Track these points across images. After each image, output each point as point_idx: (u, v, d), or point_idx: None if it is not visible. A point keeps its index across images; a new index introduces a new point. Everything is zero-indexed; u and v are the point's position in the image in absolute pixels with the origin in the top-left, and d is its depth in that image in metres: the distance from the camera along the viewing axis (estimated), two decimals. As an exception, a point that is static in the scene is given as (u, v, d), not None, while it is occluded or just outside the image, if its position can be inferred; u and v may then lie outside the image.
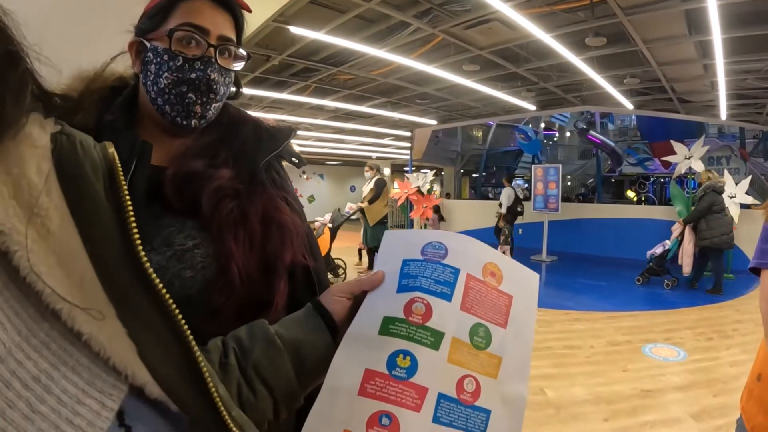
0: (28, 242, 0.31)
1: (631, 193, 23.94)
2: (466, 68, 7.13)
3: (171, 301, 0.43)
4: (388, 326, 0.66)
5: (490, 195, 25.10)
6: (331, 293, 0.74)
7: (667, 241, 7.80)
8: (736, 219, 8.63)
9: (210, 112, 0.90)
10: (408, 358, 0.64)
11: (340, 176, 23.58)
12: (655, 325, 5.87)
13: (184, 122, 0.88)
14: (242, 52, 0.92)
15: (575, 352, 4.83)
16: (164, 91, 0.85)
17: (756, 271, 1.49)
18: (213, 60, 0.87)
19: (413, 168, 16.01)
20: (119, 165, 0.46)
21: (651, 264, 8.00)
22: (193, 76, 0.85)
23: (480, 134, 24.29)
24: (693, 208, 8.00)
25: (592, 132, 22.86)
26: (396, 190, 14.00)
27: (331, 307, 0.71)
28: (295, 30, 5.57)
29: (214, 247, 0.84)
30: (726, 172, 9.33)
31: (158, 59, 0.85)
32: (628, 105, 9.23)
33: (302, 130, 12.57)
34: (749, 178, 8.93)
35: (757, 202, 8.78)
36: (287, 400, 0.68)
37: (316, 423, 0.61)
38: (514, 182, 28.78)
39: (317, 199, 20.70)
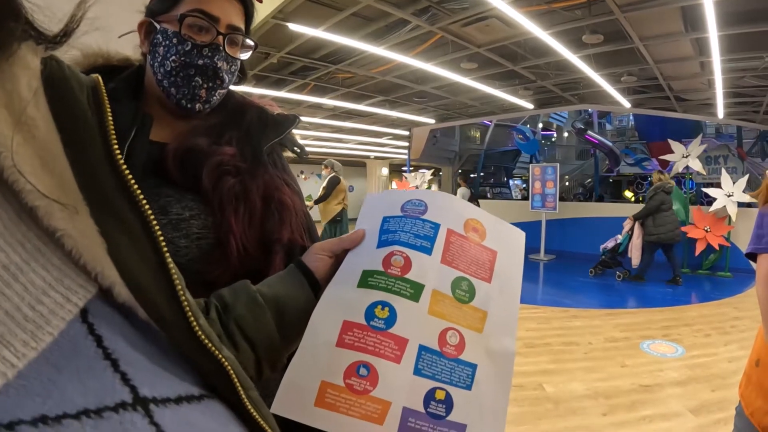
0: (13, 145, 0.32)
1: (628, 193, 23.98)
2: (464, 66, 7.15)
3: (147, 207, 0.43)
4: (366, 279, 0.66)
5: (488, 195, 25.12)
6: (312, 252, 0.75)
7: (619, 236, 8.36)
8: (734, 218, 8.70)
9: (215, 97, 0.93)
10: (387, 309, 0.64)
11: (338, 175, 23.69)
12: (653, 322, 5.89)
13: (189, 105, 0.89)
14: (250, 41, 0.94)
15: (573, 349, 4.84)
16: (171, 73, 0.87)
17: (752, 257, 1.51)
18: (221, 48, 0.88)
19: (411, 168, 16.07)
20: (102, 84, 0.46)
21: (604, 257, 8.57)
22: (200, 62, 0.87)
23: (478, 134, 24.31)
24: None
25: (589, 132, 22.90)
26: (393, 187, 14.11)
27: (312, 265, 0.72)
28: (294, 27, 5.58)
29: (212, 220, 0.86)
30: (723, 171, 9.40)
31: (167, 42, 0.86)
32: (626, 103, 9.27)
33: (300, 129, 12.48)
34: (746, 177, 8.98)
35: (755, 200, 8.81)
36: (269, 355, 0.68)
37: (295, 375, 0.61)
38: (512, 182, 29.01)
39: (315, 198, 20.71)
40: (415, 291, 0.65)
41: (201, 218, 0.85)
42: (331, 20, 5.61)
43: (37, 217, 0.33)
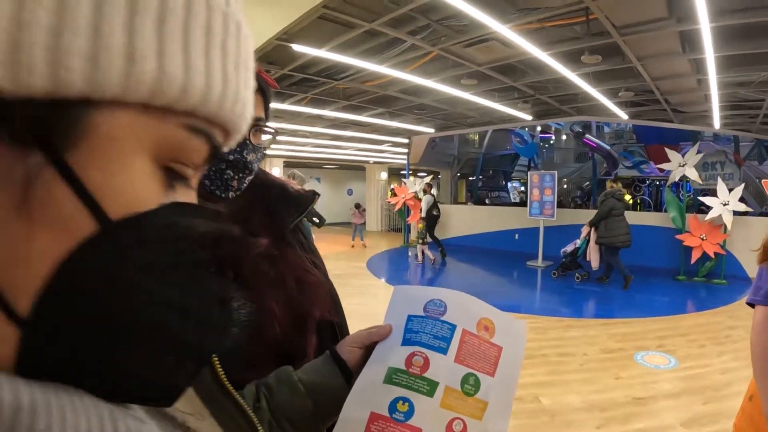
0: None
1: (627, 196, 23.92)
2: (464, 82, 7.24)
3: (241, 399, 0.61)
4: (391, 376, 0.77)
5: (486, 201, 25.10)
6: (345, 343, 0.85)
7: (578, 240, 9.05)
8: (729, 226, 8.81)
9: (244, 184, 1.01)
10: (406, 404, 0.75)
11: (337, 179, 23.66)
12: (649, 332, 5.99)
13: (222, 195, 0.97)
14: (270, 128, 1.03)
15: (569, 360, 4.94)
16: None
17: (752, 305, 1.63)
18: (248, 142, 0.96)
19: (410, 173, 16.15)
20: None
21: (564, 260, 9.34)
22: (231, 158, 0.94)
23: (476, 138, 24.27)
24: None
25: (587, 135, 22.89)
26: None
27: (345, 356, 0.82)
28: (297, 48, 5.69)
29: (254, 306, 0.97)
30: (719, 179, 9.47)
31: None
32: (623, 115, 9.36)
33: (300, 136, 12.67)
34: (742, 186, 9.07)
35: (750, 209, 8.94)
36: None
37: None
38: (510, 184, 28.93)
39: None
40: (430, 388, 0.76)
41: (246, 306, 0.96)
42: (333, 41, 5.70)
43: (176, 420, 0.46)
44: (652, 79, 6.78)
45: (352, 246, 14.55)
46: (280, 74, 6.99)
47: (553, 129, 26.10)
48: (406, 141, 14.09)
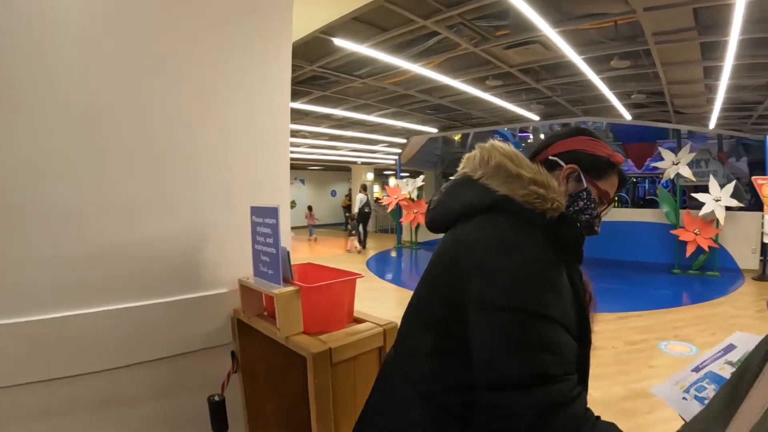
0: None
1: (606, 194, 24.35)
2: (489, 83, 7.42)
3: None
4: None
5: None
6: None
7: None
8: (721, 221, 9.26)
9: None
10: None
11: (321, 181, 23.52)
12: (662, 323, 6.34)
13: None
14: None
15: (601, 353, 5.18)
16: (579, 219, 1.19)
17: None
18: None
19: (401, 174, 16.27)
20: None
21: None
22: (596, 228, 1.24)
23: (458, 138, 24.46)
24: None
25: (565, 135, 23.18)
26: (375, 193, 14.26)
27: None
28: (338, 42, 5.61)
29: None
30: (711, 177, 9.93)
31: (587, 202, 1.17)
32: (627, 116, 9.79)
33: (299, 137, 12.70)
34: (734, 182, 9.55)
35: (741, 204, 9.41)
36: None
37: None
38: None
39: (298, 203, 20.93)
40: None
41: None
42: (374, 37, 5.67)
43: None
44: (667, 83, 7.16)
45: (348, 250, 14.66)
46: (307, 70, 6.93)
47: (531, 128, 26.43)
48: (402, 140, 14.13)
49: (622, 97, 8.45)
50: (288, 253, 1.93)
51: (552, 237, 1.03)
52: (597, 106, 9.46)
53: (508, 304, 0.91)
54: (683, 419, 0.97)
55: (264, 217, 1.95)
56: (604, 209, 1.23)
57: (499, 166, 1.10)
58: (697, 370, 1.08)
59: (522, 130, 26.16)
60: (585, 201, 1.16)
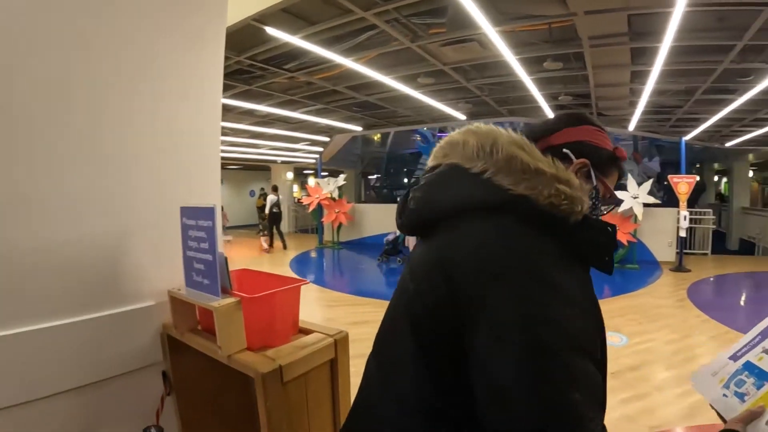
0: None
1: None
2: (421, 80, 7.22)
3: None
4: None
5: (397, 198, 25.43)
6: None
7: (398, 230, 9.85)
8: (639, 217, 9.77)
9: None
10: None
11: (240, 180, 22.81)
12: None
13: None
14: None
15: None
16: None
17: None
18: None
19: (325, 174, 16.05)
20: None
21: (387, 247, 11.06)
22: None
23: (378, 137, 24.62)
24: None
25: (483, 134, 23.91)
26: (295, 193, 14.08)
27: None
28: (271, 31, 5.22)
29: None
30: (630, 176, 10.44)
31: (595, 202, 1.01)
32: (552, 116, 9.79)
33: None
34: (651, 180, 10.14)
35: (658, 201, 9.99)
36: None
37: None
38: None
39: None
40: None
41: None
42: (308, 28, 5.35)
43: None
44: (595, 86, 7.32)
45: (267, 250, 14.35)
46: (232, 62, 6.47)
47: (449, 128, 26.92)
48: (326, 139, 13.89)
49: (550, 98, 8.59)
50: (226, 259, 1.70)
51: (571, 243, 0.87)
52: (523, 106, 9.60)
53: (528, 332, 0.75)
54: (722, 418, 0.97)
55: (197, 219, 1.71)
56: (609, 209, 1.10)
57: (512, 158, 0.90)
58: (734, 358, 1.04)
59: (441, 130, 26.71)
60: (593, 200, 1.00)
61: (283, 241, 14.66)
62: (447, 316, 0.83)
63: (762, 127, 10.55)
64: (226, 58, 5.25)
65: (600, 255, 0.93)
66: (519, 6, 4.94)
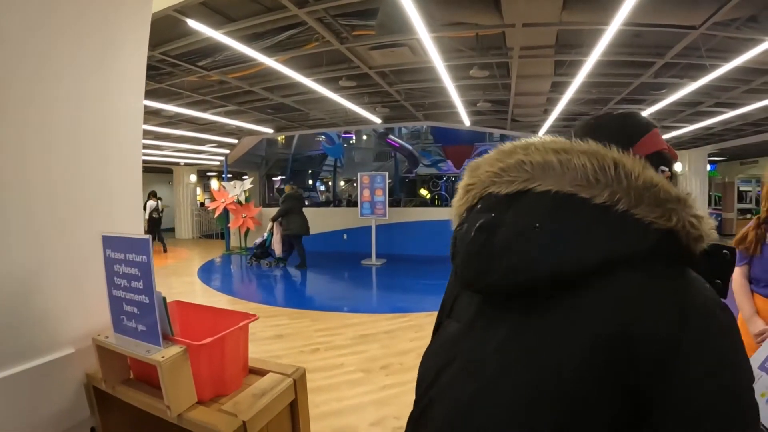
0: None
1: (424, 191, 26.04)
2: (343, 84, 6.99)
3: None
4: None
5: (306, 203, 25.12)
6: None
7: (265, 234, 11.57)
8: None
9: None
10: None
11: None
12: None
13: None
14: None
15: None
16: None
17: None
18: None
19: (229, 175, 15.42)
20: None
21: (256, 251, 11.65)
22: None
23: (282, 138, 24.28)
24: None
25: (391, 136, 24.35)
26: (198, 196, 13.68)
27: None
28: (193, 24, 4.68)
29: None
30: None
31: None
32: (467, 122, 10.07)
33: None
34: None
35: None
36: None
37: None
38: (318, 185, 29.14)
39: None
40: None
41: None
42: (227, 26, 4.93)
43: None
44: (515, 95, 7.43)
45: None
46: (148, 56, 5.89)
47: (354, 129, 27.15)
48: (232, 141, 13.30)
49: (468, 104, 8.65)
50: (164, 299, 1.42)
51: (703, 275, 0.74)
52: (439, 111, 9.63)
53: (739, 410, 0.63)
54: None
55: (126, 251, 1.43)
56: None
57: (652, 185, 0.74)
58: (765, 369, 1.05)
59: (346, 132, 26.77)
60: None
61: (164, 245, 14.80)
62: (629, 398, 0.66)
63: (664, 133, 11.27)
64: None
65: (723, 282, 0.79)
66: (452, 14, 4.85)
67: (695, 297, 0.69)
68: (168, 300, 1.73)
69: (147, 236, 1.38)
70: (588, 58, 5.43)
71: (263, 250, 11.54)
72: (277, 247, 11.16)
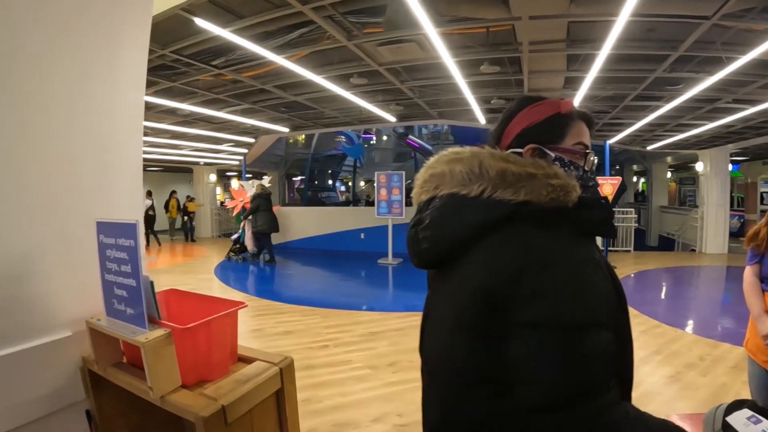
0: None
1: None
2: (354, 81, 6.98)
3: None
4: None
5: (325, 202, 25.12)
6: None
7: (240, 231, 12.50)
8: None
9: None
10: None
11: (161, 183, 21.78)
12: None
13: None
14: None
15: None
16: (590, 191, 1.11)
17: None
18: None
19: (248, 175, 15.55)
20: None
21: (234, 246, 12.58)
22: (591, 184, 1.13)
23: (302, 138, 24.38)
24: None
25: (411, 136, 24.32)
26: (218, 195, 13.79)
27: None
28: (200, 23, 4.74)
29: None
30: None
31: (569, 170, 1.08)
32: (482, 120, 10.01)
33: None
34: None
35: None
36: None
37: None
38: (338, 185, 29.22)
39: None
40: None
41: None
42: (237, 24, 4.95)
43: None
44: (528, 90, 7.41)
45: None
46: (155, 57, 5.87)
47: (374, 130, 27.17)
48: (250, 140, 13.42)
49: (482, 101, 8.58)
50: (152, 284, 1.46)
51: (579, 224, 0.99)
52: (453, 109, 9.56)
53: (559, 322, 0.86)
54: None
55: (117, 236, 1.46)
56: (591, 161, 1.15)
57: (504, 173, 1.00)
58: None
59: (366, 132, 26.79)
60: (576, 173, 1.09)
61: (158, 240, 16.18)
62: (491, 331, 0.91)
63: (684, 132, 11.17)
64: (150, 52, 4.89)
65: (602, 225, 1.04)
66: (459, 8, 4.83)
67: (538, 237, 0.94)
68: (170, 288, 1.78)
69: (134, 221, 1.41)
70: (600, 52, 5.36)
71: (237, 244, 12.54)
72: (248, 243, 12.21)
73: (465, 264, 0.98)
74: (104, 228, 1.52)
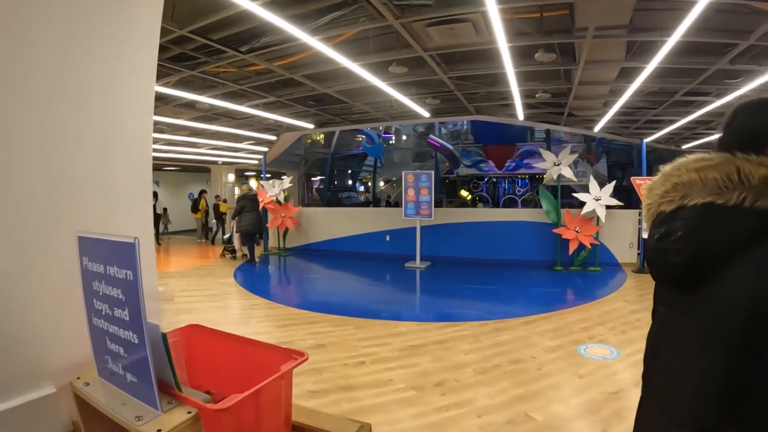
0: None
1: (464, 192, 25.48)
2: (393, 70, 6.42)
3: None
4: None
5: (345, 202, 24.80)
6: None
7: (230, 231, 13.06)
8: (602, 219, 9.53)
9: None
10: None
11: (177, 182, 21.49)
12: (570, 324, 6.12)
13: None
14: None
15: (524, 367, 4.68)
16: None
17: None
18: None
19: (267, 175, 15.07)
20: None
21: (226, 246, 13.14)
22: None
23: (321, 137, 24.07)
24: None
25: (431, 136, 23.86)
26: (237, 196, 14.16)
27: None
28: None
29: None
30: (591, 178, 10.20)
31: None
32: (521, 116, 9.48)
33: (156, 131, 10.71)
34: (613, 182, 9.93)
35: (621, 203, 9.84)
36: None
37: None
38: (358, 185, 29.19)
39: (152, 206, 18.83)
40: None
41: None
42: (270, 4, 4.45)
43: None
44: (578, 83, 6.87)
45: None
46: (177, 36, 5.30)
47: (393, 129, 26.83)
48: (272, 138, 12.97)
49: (526, 95, 8.04)
50: (164, 336, 0.86)
51: None
52: (491, 104, 9.03)
53: None
54: None
55: (107, 262, 0.88)
56: None
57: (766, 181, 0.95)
58: None
59: (386, 132, 26.39)
60: None
61: (158, 240, 16.06)
62: None
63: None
64: (168, 31, 4.41)
65: None
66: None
67: None
68: (189, 322, 1.20)
69: (133, 239, 0.85)
70: (669, 39, 4.83)
71: (230, 243, 13.10)
72: (236, 243, 12.71)
73: (726, 281, 0.94)
74: (89, 247, 0.95)
